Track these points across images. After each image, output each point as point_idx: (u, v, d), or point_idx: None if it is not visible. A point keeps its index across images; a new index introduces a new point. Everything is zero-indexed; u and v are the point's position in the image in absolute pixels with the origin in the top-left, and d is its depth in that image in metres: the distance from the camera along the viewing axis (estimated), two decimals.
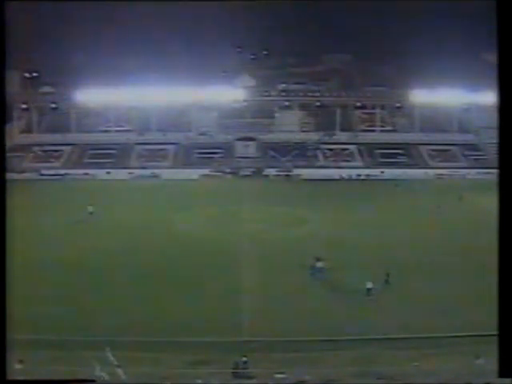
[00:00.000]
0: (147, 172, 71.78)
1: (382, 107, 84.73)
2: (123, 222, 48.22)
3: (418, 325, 27.58)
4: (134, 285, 33.26)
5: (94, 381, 17.56)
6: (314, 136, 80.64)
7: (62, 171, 71.44)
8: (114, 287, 32.82)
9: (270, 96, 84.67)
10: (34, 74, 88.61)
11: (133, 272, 35.25)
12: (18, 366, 20.16)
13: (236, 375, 23.16)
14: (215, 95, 77.33)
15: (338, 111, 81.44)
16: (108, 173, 70.34)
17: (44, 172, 70.83)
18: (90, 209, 49.15)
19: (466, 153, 77.66)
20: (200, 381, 22.07)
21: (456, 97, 76.72)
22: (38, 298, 29.68)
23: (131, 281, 33.81)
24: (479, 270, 32.40)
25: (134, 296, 31.54)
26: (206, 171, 71.91)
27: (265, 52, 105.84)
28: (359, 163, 76.04)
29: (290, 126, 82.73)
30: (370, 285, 31.76)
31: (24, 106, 77.74)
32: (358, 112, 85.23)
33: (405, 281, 33.39)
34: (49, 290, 31.35)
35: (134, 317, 28.66)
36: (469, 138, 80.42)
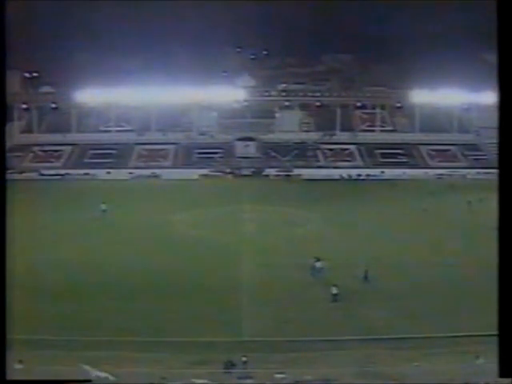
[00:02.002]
0: (147, 172, 71.80)
1: (382, 107, 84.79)
2: (135, 220, 49.19)
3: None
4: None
5: (90, 381, 17.58)
6: (314, 136, 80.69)
7: (63, 171, 71.50)
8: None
9: (270, 96, 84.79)
10: (34, 74, 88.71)
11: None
12: (17, 366, 20.15)
13: (227, 375, 23.10)
14: (215, 95, 77.34)
15: (338, 111, 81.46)
16: (108, 173, 70.38)
17: (44, 172, 70.85)
18: (103, 207, 50.04)
19: (466, 153, 77.69)
20: (200, 381, 22.05)
21: (456, 97, 76.73)
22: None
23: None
24: None
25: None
26: (206, 171, 71.91)
27: (265, 52, 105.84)
28: (359, 163, 76.06)
29: (290, 125, 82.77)
30: (335, 290, 29.90)
31: (24, 106, 77.83)
32: (358, 112, 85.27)
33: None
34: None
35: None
36: (469, 137, 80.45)
